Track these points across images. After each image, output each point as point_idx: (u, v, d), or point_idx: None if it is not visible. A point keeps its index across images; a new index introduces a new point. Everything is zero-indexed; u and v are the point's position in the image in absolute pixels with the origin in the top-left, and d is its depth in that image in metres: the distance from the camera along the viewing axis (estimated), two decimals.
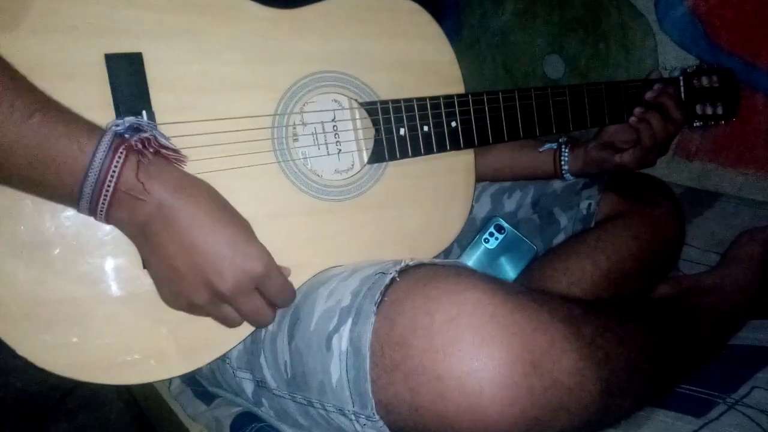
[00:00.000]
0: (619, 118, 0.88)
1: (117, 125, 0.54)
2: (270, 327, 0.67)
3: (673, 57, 1.29)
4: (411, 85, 0.75)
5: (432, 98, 0.74)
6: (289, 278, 0.63)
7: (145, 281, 0.61)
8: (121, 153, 0.52)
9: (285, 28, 0.68)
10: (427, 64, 0.77)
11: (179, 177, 0.56)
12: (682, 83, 0.94)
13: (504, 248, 0.90)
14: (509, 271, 0.90)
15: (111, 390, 1.31)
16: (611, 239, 0.84)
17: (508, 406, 0.50)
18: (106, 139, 0.52)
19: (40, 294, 0.57)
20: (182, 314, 0.61)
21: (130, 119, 0.55)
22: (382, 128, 0.72)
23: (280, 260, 0.65)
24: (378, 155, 0.72)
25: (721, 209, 1.19)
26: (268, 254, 0.59)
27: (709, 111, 0.96)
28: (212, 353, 0.64)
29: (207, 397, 0.84)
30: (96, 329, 0.59)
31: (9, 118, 0.49)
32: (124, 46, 0.60)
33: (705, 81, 0.95)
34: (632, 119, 0.87)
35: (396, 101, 0.72)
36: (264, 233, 0.66)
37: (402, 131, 0.73)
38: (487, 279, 0.57)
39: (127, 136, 0.54)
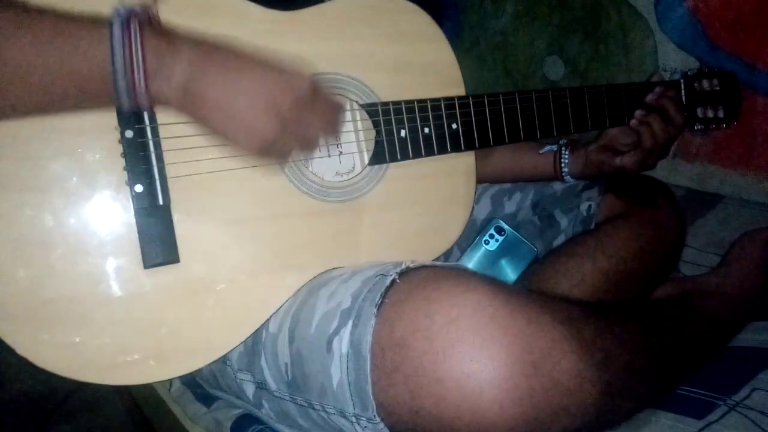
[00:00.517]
0: (620, 120, 0.88)
1: (119, 10, 0.54)
2: (270, 328, 0.67)
3: (672, 58, 1.29)
4: (411, 87, 0.75)
5: (432, 100, 0.74)
6: (292, 279, 0.63)
7: (146, 282, 0.61)
8: (135, 23, 0.53)
9: (285, 29, 0.69)
10: (428, 66, 0.77)
11: (194, 40, 0.57)
12: (683, 86, 0.94)
13: (504, 250, 0.90)
14: (509, 272, 0.90)
15: (111, 392, 1.31)
16: (611, 241, 0.84)
17: (509, 407, 0.50)
18: (117, 16, 0.53)
19: (41, 293, 0.57)
20: (182, 314, 0.61)
21: (127, 5, 0.56)
22: (383, 130, 0.72)
23: (281, 261, 0.66)
24: (378, 157, 0.72)
25: (721, 210, 1.19)
26: (304, 67, 0.60)
27: (710, 114, 0.95)
28: (211, 355, 0.64)
29: (207, 399, 0.84)
30: (96, 329, 0.59)
31: (25, 20, 0.51)
32: None
33: (706, 84, 0.95)
34: (633, 122, 0.87)
35: (396, 103, 0.72)
36: (265, 234, 0.66)
37: (403, 132, 0.73)
38: (488, 281, 0.57)
39: (132, 14, 0.54)
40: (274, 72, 0.57)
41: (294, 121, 0.58)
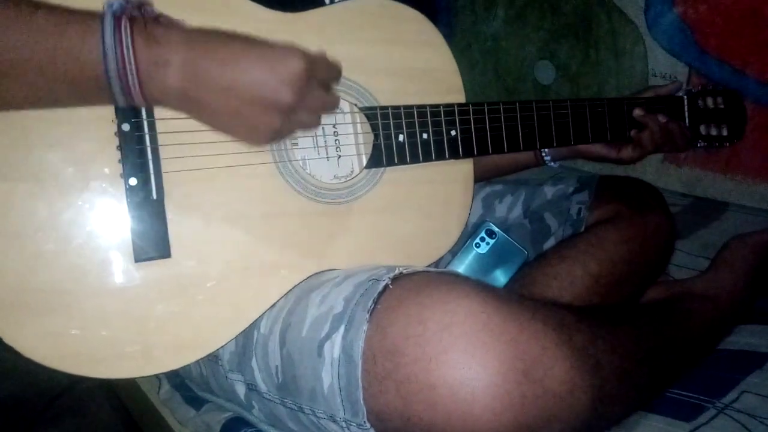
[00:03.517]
0: (622, 134, 0.88)
1: (111, 4, 0.54)
2: (262, 330, 0.66)
3: (662, 63, 1.30)
4: (412, 92, 0.75)
5: (432, 106, 0.74)
6: (283, 279, 0.63)
7: (136, 275, 0.61)
8: (126, 24, 0.52)
9: (287, 31, 0.68)
10: (429, 72, 0.77)
11: (185, 32, 0.56)
12: (686, 103, 0.94)
13: (495, 253, 0.90)
14: (500, 276, 0.90)
15: (99, 395, 1.29)
16: (601, 244, 0.85)
17: (500, 414, 0.50)
18: (108, 16, 0.52)
19: (29, 283, 0.57)
20: (170, 310, 0.61)
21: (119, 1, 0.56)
22: (381, 134, 0.72)
23: (273, 261, 0.65)
24: (376, 160, 0.72)
25: (724, 221, 1.20)
26: (296, 46, 0.59)
27: (713, 132, 0.96)
28: (199, 351, 0.64)
29: (196, 402, 0.84)
30: (84, 321, 0.59)
31: (18, 16, 0.50)
32: None
33: (710, 102, 0.95)
34: (633, 131, 0.88)
35: (396, 107, 0.72)
36: (259, 233, 0.66)
37: (401, 137, 0.73)
38: (480, 287, 0.57)
39: (123, 11, 0.54)
40: (269, 63, 0.57)
41: (294, 111, 0.59)
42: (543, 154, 0.94)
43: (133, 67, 0.52)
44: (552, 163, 0.94)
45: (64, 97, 0.55)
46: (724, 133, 0.96)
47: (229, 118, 0.58)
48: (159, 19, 0.56)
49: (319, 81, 0.61)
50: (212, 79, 0.55)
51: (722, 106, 0.96)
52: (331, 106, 0.64)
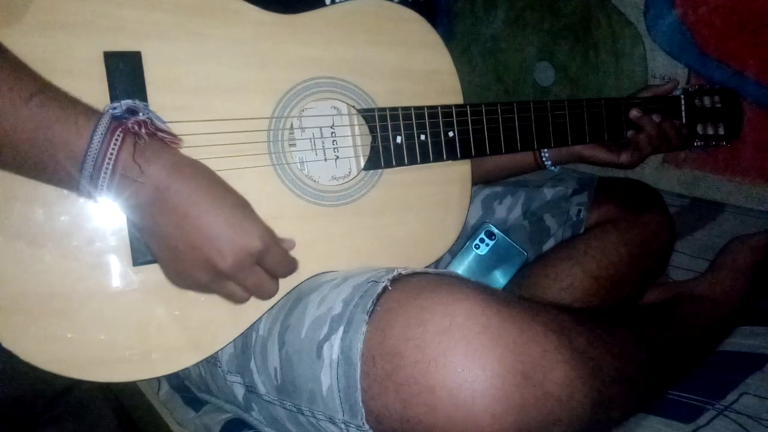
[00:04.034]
0: (619, 134, 0.88)
1: (114, 108, 0.54)
2: (261, 331, 0.66)
3: (661, 65, 1.31)
4: (409, 94, 0.75)
5: (430, 107, 0.74)
6: (282, 281, 0.63)
7: (135, 279, 0.61)
8: (119, 135, 0.52)
9: (285, 32, 0.68)
10: (427, 74, 0.77)
11: (176, 159, 0.56)
12: (683, 102, 0.94)
13: (494, 254, 0.90)
14: (500, 277, 0.90)
15: (98, 396, 1.29)
16: (601, 245, 0.85)
17: (500, 417, 0.50)
18: (104, 121, 0.52)
19: (29, 287, 0.57)
20: (169, 313, 0.61)
21: (126, 102, 0.56)
22: (379, 135, 0.72)
23: None
24: (374, 162, 0.72)
25: (722, 222, 1.20)
26: (268, 230, 0.59)
27: (710, 131, 0.96)
28: (198, 354, 0.64)
29: (196, 404, 0.84)
30: (83, 325, 0.59)
31: (9, 101, 0.49)
32: (123, 44, 0.61)
33: (707, 101, 0.96)
34: (630, 132, 0.88)
35: (394, 109, 0.72)
36: None
37: (399, 139, 0.73)
38: (480, 289, 0.57)
39: (124, 119, 0.54)
40: (232, 229, 0.56)
41: (227, 278, 0.58)
42: (543, 158, 0.94)
43: (108, 175, 0.52)
44: (552, 167, 0.94)
45: (27, 174, 0.55)
46: (721, 132, 0.96)
47: (166, 250, 0.57)
48: (156, 135, 0.56)
49: (267, 268, 0.60)
50: (175, 213, 0.55)
51: (719, 105, 0.96)
52: (266, 294, 0.62)
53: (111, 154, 0.51)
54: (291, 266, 0.63)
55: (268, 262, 0.59)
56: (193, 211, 0.55)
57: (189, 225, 0.55)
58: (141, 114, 0.55)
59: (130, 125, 0.53)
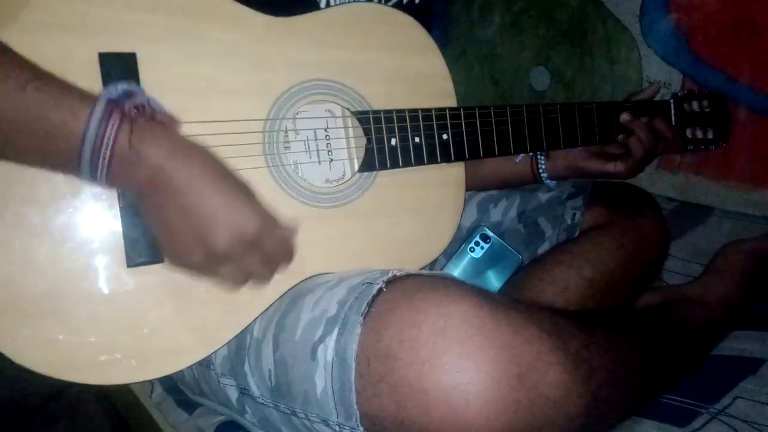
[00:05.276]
0: (610, 137, 0.89)
1: (110, 92, 0.54)
2: (255, 333, 0.66)
3: (656, 70, 1.31)
4: (404, 97, 0.75)
5: (424, 110, 0.74)
6: (277, 283, 0.63)
7: (128, 281, 0.60)
8: (116, 119, 0.52)
9: (280, 35, 0.69)
10: (421, 77, 0.77)
11: (174, 141, 0.56)
12: (672, 106, 0.95)
13: (489, 258, 0.90)
14: (494, 280, 0.90)
15: (91, 398, 1.29)
16: (596, 249, 0.85)
17: (494, 419, 0.50)
18: (100, 106, 0.52)
19: (22, 289, 0.57)
20: (163, 315, 0.61)
21: (122, 85, 0.55)
22: (374, 138, 0.72)
23: None
24: (368, 164, 0.72)
25: (711, 224, 1.20)
26: (267, 215, 0.59)
27: (699, 135, 0.97)
28: (193, 356, 0.64)
29: (189, 406, 0.83)
30: (76, 327, 0.58)
31: (4, 88, 0.49)
32: (118, 45, 0.61)
33: (696, 105, 0.96)
34: (620, 136, 0.89)
35: (388, 112, 0.72)
36: None
37: (393, 141, 0.73)
38: (475, 291, 0.57)
39: (120, 102, 0.54)
40: (231, 210, 0.56)
41: (221, 261, 0.58)
42: (540, 170, 0.94)
43: (107, 160, 0.52)
44: (548, 181, 0.94)
45: (27, 162, 0.55)
46: (710, 136, 0.97)
47: (165, 230, 0.57)
48: (155, 117, 0.56)
49: (264, 253, 0.60)
50: (173, 195, 0.55)
51: (708, 110, 0.97)
52: (261, 280, 0.62)
53: (109, 138, 0.51)
54: (289, 253, 0.63)
55: (266, 247, 0.59)
56: (190, 193, 0.55)
57: (188, 206, 0.55)
58: (137, 97, 0.55)
59: (126, 109, 0.53)
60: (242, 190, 0.58)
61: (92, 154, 0.52)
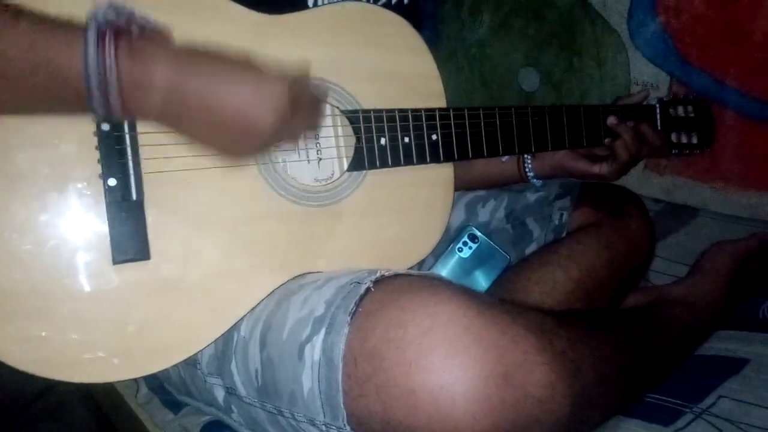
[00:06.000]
0: (597, 140, 0.90)
1: (95, 14, 0.52)
2: (242, 332, 0.66)
3: (644, 72, 1.32)
4: (393, 96, 0.75)
5: (414, 110, 0.74)
6: (264, 281, 0.63)
7: (114, 277, 0.60)
8: (110, 39, 0.51)
9: (269, 33, 0.68)
10: (410, 77, 0.77)
11: (173, 55, 0.55)
12: (658, 111, 0.96)
13: (477, 258, 0.91)
14: (482, 280, 0.90)
15: (76, 398, 1.28)
16: (583, 249, 0.85)
17: (481, 419, 0.50)
18: (92, 29, 0.51)
19: (4, 286, 0.56)
20: (149, 312, 0.61)
21: (102, 3, 0.53)
22: (363, 137, 0.72)
23: (254, 264, 0.64)
24: (358, 163, 0.72)
25: (695, 225, 1.21)
26: (282, 76, 0.58)
27: (684, 140, 0.98)
28: (178, 355, 0.63)
29: (175, 406, 0.83)
30: (60, 324, 0.58)
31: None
32: None
33: (681, 110, 0.97)
34: (607, 140, 0.89)
35: (378, 111, 0.72)
36: (240, 235, 0.65)
37: (383, 141, 0.73)
38: (462, 291, 0.57)
39: (109, 24, 0.52)
40: (254, 88, 0.56)
41: (274, 137, 0.59)
42: (527, 170, 0.94)
43: (115, 86, 0.51)
44: (535, 180, 0.95)
45: (44, 107, 0.55)
46: (695, 140, 0.98)
47: (209, 137, 0.58)
48: (146, 29, 0.54)
49: (304, 105, 0.60)
50: (196, 101, 0.54)
51: (692, 115, 0.98)
52: (313, 127, 0.66)
53: (110, 65, 0.50)
54: (323, 92, 0.66)
55: (302, 97, 0.60)
56: (211, 98, 0.55)
57: (215, 111, 0.55)
58: (122, 13, 0.53)
59: (115, 23, 0.52)
60: (248, 65, 0.58)
61: (99, 83, 0.50)
